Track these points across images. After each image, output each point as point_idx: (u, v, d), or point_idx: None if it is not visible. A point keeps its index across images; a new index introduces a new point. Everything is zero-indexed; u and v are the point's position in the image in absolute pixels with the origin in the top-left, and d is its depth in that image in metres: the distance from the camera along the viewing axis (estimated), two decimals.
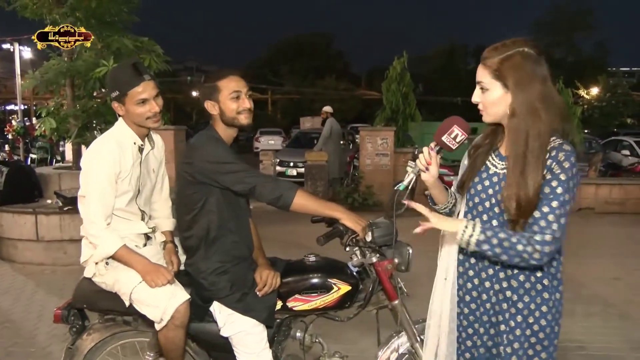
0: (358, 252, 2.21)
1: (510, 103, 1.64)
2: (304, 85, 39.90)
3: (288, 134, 25.60)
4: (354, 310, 2.30)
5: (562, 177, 1.58)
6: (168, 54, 6.79)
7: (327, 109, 10.82)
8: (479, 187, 1.77)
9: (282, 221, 6.12)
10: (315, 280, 2.23)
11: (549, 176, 1.59)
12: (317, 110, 16.55)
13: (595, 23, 41.34)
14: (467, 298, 1.83)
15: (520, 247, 1.56)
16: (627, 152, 15.17)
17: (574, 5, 40.07)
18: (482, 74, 1.66)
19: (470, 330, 1.84)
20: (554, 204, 1.57)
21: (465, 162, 1.88)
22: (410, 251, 2.20)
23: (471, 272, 1.80)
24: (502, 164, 1.72)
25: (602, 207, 9.13)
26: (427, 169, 1.78)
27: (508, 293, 1.72)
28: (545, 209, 1.58)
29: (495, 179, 1.73)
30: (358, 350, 3.15)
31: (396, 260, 2.18)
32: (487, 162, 1.78)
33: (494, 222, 1.72)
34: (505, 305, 1.73)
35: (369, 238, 2.15)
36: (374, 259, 2.18)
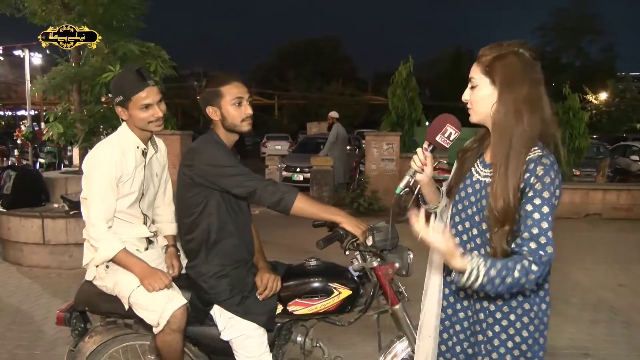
0: (359, 257, 2.20)
1: (496, 100, 1.61)
2: (310, 90, 39.88)
3: (295, 139, 25.43)
4: (355, 314, 2.29)
5: (546, 194, 1.51)
6: (174, 59, 6.82)
7: (333, 114, 10.83)
8: (463, 194, 1.74)
9: (284, 225, 6.12)
10: (315, 285, 2.23)
11: (530, 193, 1.53)
12: (324, 116, 16.51)
13: (603, 27, 41.21)
14: (447, 306, 1.81)
15: (523, 280, 1.48)
16: (636, 158, 15.13)
17: (579, 9, 39.93)
18: (474, 70, 1.65)
19: (450, 343, 1.81)
20: (544, 224, 1.50)
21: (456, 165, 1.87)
22: (411, 256, 2.21)
23: (450, 280, 1.75)
24: (485, 172, 1.69)
25: (609, 213, 9.05)
26: (422, 169, 1.79)
27: (485, 303, 1.66)
28: (535, 230, 1.50)
29: (477, 186, 1.70)
30: (359, 355, 3.13)
31: (397, 265, 2.18)
32: (472, 169, 1.75)
33: (474, 231, 1.68)
34: (482, 315, 1.68)
35: (369, 242, 2.14)
36: (375, 263, 2.18)
